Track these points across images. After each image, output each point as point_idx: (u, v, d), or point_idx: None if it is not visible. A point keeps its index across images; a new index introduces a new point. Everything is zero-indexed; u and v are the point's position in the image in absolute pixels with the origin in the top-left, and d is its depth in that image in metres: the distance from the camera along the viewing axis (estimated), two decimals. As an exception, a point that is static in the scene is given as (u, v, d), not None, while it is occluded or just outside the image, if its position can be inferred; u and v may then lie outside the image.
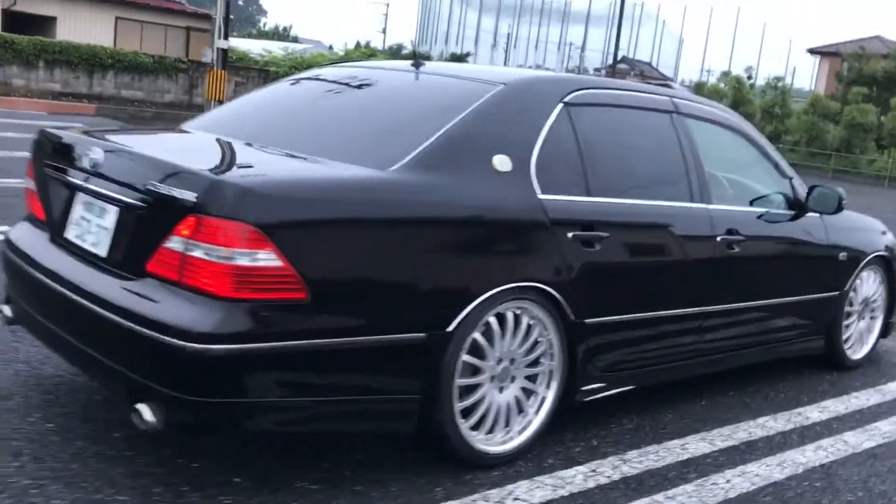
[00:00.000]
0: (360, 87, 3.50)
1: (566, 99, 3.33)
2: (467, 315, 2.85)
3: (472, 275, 2.88)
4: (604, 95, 3.53)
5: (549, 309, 3.14)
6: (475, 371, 2.99)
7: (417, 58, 3.69)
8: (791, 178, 4.39)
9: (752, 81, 38.95)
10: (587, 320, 3.27)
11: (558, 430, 3.38)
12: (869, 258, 4.77)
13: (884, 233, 5.03)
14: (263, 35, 57.97)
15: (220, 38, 17.61)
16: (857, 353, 4.93)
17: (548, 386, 3.24)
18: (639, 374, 3.65)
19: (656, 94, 3.79)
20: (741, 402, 4.15)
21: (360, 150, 2.97)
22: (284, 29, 71.78)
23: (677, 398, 4.04)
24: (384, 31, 73.06)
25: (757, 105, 34.79)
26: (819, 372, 4.78)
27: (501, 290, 2.95)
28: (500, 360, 3.05)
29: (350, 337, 2.63)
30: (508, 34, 63.06)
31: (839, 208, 4.29)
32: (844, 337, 4.81)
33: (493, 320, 2.98)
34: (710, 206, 3.80)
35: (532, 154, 3.13)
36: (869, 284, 4.91)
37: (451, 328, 2.82)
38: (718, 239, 3.78)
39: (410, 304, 2.74)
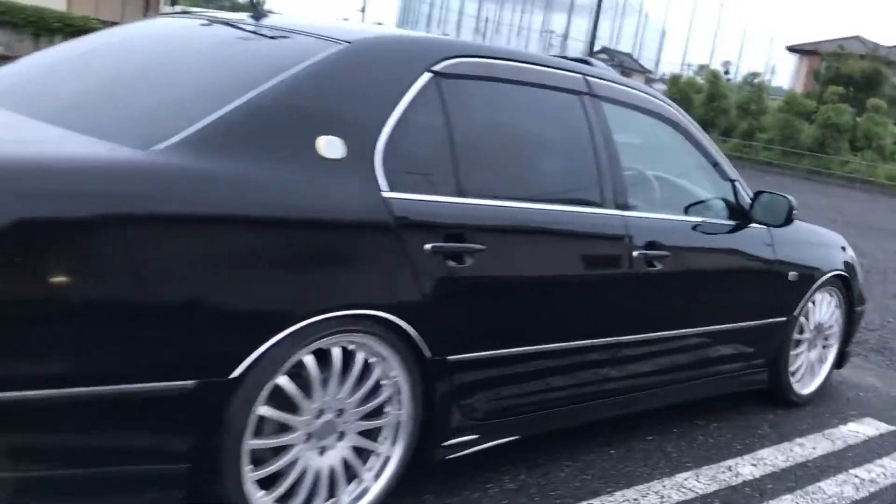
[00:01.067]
0: (171, 43, 2.71)
1: (436, 67, 2.56)
2: (263, 354, 2.09)
3: (272, 300, 2.12)
4: (489, 66, 2.75)
5: (395, 343, 2.39)
6: (282, 428, 2.23)
7: (257, 7, 2.88)
8: (734, 182, 3.65)
9: (729, 77, 38.40)
10: (451, 357, 2.52)
11: (414, 491, 2.64)
12: (824, 278, 4.06)
13: (843, 248, 4.32)
14: (237, 8, 56.55)
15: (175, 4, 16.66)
16: (806, 387, 4.23)
17: (393, 442, 2.49)
18: (526, 422, 2.91)
19: (564, 69, 3.02)
20: (660, 449, 3.42)
21: (129, 123, 2.18)
22: (258, 2, 70.11)
23: (581, 445, 3.30)
24: (363, 11, 71.78)
25: (732, 101, 34.23)
26: (761, 409, 4.07)
27: (320, 321, 2.19)
28: (320, 413, 2.29)
29: (75, 387, 1.86)
30: (488, 19, 62.22)
31: (789, 219, 3.56)
32: (792, 369, 4.10)
33: (309, 360, 2.22)
34: (628, 214, 3.06)
35: (378, 137, 2.35)
36: (823, 308, 4.20)
37: (236, 373, 2.05)
38: (635, 255, 3.04)
39: (170, 341, 1.96)
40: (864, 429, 4.01)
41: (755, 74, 36.50)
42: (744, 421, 3.90)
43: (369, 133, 2.35)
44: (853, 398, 4.44)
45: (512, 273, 2.66)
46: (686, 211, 3.54)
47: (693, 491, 3.09)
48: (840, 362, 4.41)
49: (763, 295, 3.78)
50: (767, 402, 4.11)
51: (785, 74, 44.92)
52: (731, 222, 3.60)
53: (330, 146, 2.24)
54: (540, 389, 2.90)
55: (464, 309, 2.53)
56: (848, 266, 4.25)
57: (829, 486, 3.32)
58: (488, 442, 2.77)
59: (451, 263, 2.46)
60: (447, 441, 2.62)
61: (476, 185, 2.59)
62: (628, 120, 3.32)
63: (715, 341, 3.60)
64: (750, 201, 3.63)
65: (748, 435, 3.73)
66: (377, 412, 2.44)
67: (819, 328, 4.22)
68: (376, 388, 2.42)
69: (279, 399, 2.20)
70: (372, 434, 2.45)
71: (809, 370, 4.25)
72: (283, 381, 2.18)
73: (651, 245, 3.11)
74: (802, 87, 38.37)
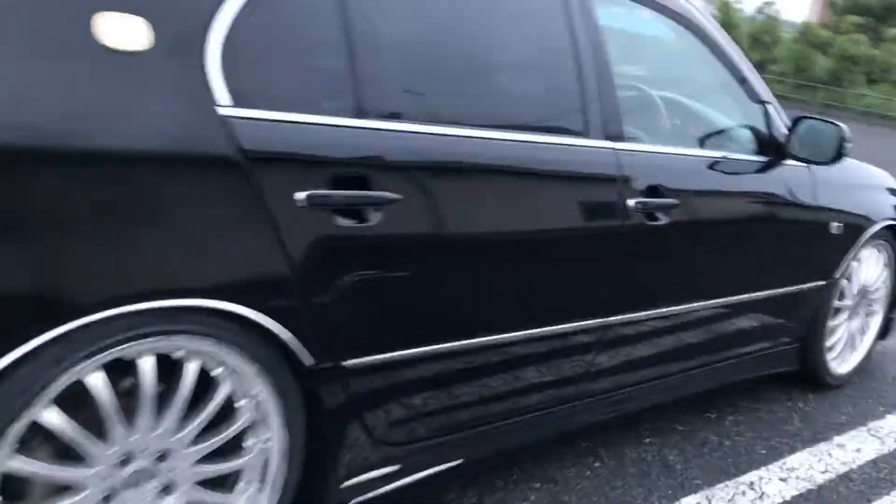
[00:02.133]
0: None
1: None
2: (3, 376, 1.25)
3: (14, 286, 1.26)
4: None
5: (252, 348, 1.54)
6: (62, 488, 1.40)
7: None
8: (766, 104, 2.75)
9: (741, 7, 36.83)
10: (348, 362, 1.68)
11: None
12: (874, 229, 3.18)
13: (892, 190, 3.42)
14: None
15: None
16: (843, 365, 3.39)
17: (261, 488, 1.66)
18: (473, 441, 2.08)
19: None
20: (660, 459, 2.60)
21: None
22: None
23: (556, 455, 2.49)
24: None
25: (744, 32, 32.76)
26: (787, 394, 3.23)
27: (111, 319, 1.34)
28: (125, 459, 1.46)
29: None
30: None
31: (839, 154, 2.67)
32: (828, 343, 3.26)
33: (94, 380, 1.38)
34: (622, 148, 2.18)
35: (214, 17, 1.47)
36: (870, 268, 3.33)
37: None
38: (631, 204, 2.17)
39: None
40: (919, 420, 3.19)
41: (769, 3, 34.90)
42: (767, 412, 3.07)
43: (197, 9, 1.46)
44: (899, 376, 3.61)
45: (444, 233, 1.80)
46: (702, 144, 2.66)
47: (704, 526, 2.28)
48: (885, 332, 3.56)
49: (798, 253, 2.92)
50: (795, 384, 3.27)
51: (803, 6, 43.08)
52: (762, 158, 2.71)
53: (120, 30, 1.36)
54: (493, 395, 2.06)
55: (366, 290, 1.67)
56: (898, 212, 3.37)
57: (883, 510, 2.50)
58: (416, 473, 1.95)
59: (344, 222, 1.60)
60: (350, 480, 1.80)
61: (386, 100, 1.71)
62: (627, 18, 2.41)
63: (735, 316, 2.74)
64: (787, 131, 2.73)
65: (773, 432, 2.91)
66: (231, 449, 1.61)
67: (863, 292, 3.36)
68: (226, 413, 1.58)
69: (48, 445, 1.36)
70: (224, 482, 1.62)
71: (849, 344, 3.41)
72: (49, 416, 1.34)
73: (653, 191, 2.24)
74: (818, 17, 36.80)
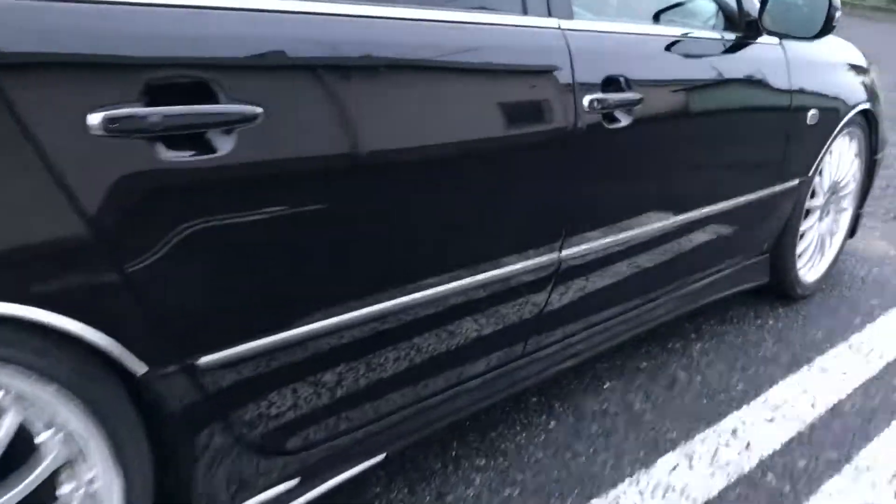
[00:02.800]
0: None
1: None
2: None
3: None
4: None
5: (43, 361, 0.99)
6: None
7: None
8: (733, -33, 2.23)
9: None
10: (201, 360, 1.14)
11: None
12: (849, 116, 2.74)
13: (860, 68, 2.97)
14: None
15: None
16: (813, 272, 3.00)
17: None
18: (396, 427, 1.59)
19: None
20: (625, 409, 2.17)
21: None
22: None
23: (499, 422, 2.03)
24: None
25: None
26: (754, 311, 2.84)
27: None
28: None
29: None
30: None
31: (828, 26, 2.18)
32: (799, 250, 2.85)
33: None
34: (570, 27, 1.64)
35: None
36: (843, 160, 2.91)
37: None
38: (585, 102, 1.65)
39: None
40: (899, 329, 2.84)
41: None
42: (736, 334, 2.66)
43: None
44: (868, 278, 3.25)
45: (330, 163, 1.25)
46: (656, 19, 2.13)
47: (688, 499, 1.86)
48: (853, 230, 3.17)
49: (773, 150, 2.45)
50: (760, 298, 2.87)
51: None
52: (731, 36, 2.21)
53: None
54: (416, 369, 1.56)
55: (216, 257, 1.13)
56: (871, 96, 2.93)
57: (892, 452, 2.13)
58: (324, 482, 1.45)
59: (171, 155, 1.04)
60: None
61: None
62: None
63: (705, 232, 2.28)
64: (758, 2, 2.23)
65: (748, 360, 2.50)
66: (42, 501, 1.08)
67: (834, 188, 2.95)
68: (22, 452, 1.04)
69: None
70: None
71: (818, 248, 3.02)
72: None
73: (612, 83, 1.72)
74: None
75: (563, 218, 1.73)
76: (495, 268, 1.59)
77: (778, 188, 2.51)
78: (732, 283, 2.58)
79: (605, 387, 2.26)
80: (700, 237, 2.26)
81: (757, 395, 2.31)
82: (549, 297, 1.79)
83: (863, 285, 3.16)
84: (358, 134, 1.27)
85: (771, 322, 2.77)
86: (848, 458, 2.06)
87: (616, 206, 1.88)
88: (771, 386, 2.36)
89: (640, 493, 1.85)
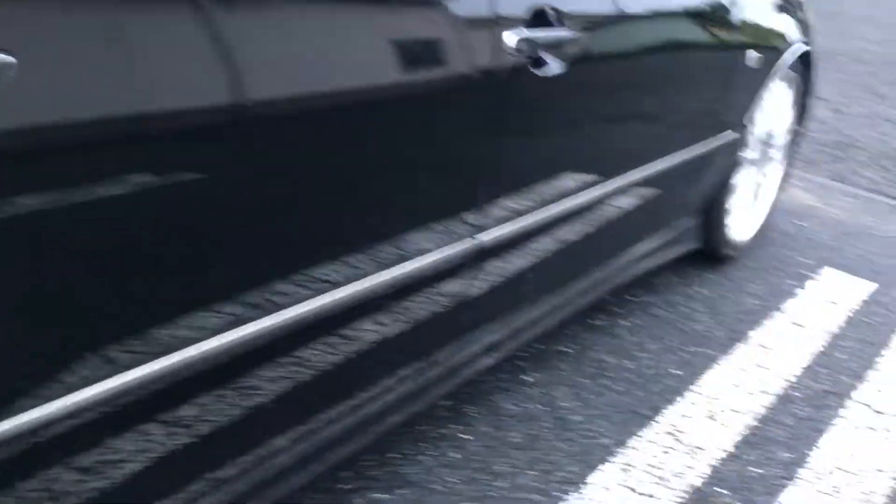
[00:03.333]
0: None
1: None
2: None
3: None
4: None
5: None
6: None
7: None
8: None
9: None
10: None
11: None
12: (787, 58, 2.44)
13: (799, 5, 2.66)
14: None
15: None
16: (743, 230, 2.72)
17: None
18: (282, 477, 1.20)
19: None
20: (550, 410, 1.84)
21: None
22: None
23: (402, 441, 1.66)
24: None
25: None
26: (681, 278, 2.55)
27: None
28: None
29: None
30: None
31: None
32: (731, 208, 2.56)
33: None
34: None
35: None
36: (779, 106, 2.62)
37: None
38: (510, 41, 1.26)
39: None
40: (832, 290, 2.60)
41: None
42: (665, 307, 2.36)
43: None
44: (796, 234, 3.01)
45: (98, 117, 0.82)
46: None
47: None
48: (783, 183, 2.91)
49: (712, 97, 2.12)
50: (686, 262, 2.58)
51: None
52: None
53: None
54: (292, 399, 1.17)
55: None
56: (808, 36, 2.64)
57: (841, 438, 1.87)
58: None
59: None
60: None
61: None
62: None
63: (638, 197, 1.94)
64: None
65: (681, 338, 2.21)
66: None
67: (768, 139, 2.67)
68: None
69: None
70: None
71: (750, 205, 2.74)
72: None
73: (541, 19, 1.32)
74: None
75: (482, 189, 1.35)
76: (396, 254, 1.20)
77: (717, 142, 2.19)
78: (665, 252, 2.27)
79: (527, 380, 1.91)
80: (633, 202, 1.92)
81: (694, 382, 2.01)
82: (464, 284, 1.42)
83: (791, 242, 2.92)
84: (189, 84, 0.84)
85: (700, 290, 2.48)
86: (803, 460, 1.79)
87: (543, 170, 1.51)
88: (707, 370, 2.07)
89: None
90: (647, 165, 1.88)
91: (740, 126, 2.32)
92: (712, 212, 2.44)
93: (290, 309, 1.05)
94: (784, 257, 2.78)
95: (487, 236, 1.39)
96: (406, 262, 1.23)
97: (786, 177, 2.90)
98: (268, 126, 0.95)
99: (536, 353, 2.01)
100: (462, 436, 1.70)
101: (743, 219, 2.70)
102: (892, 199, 3.58)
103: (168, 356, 0.91)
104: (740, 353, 2.17)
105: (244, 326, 1.00)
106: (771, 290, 2.54)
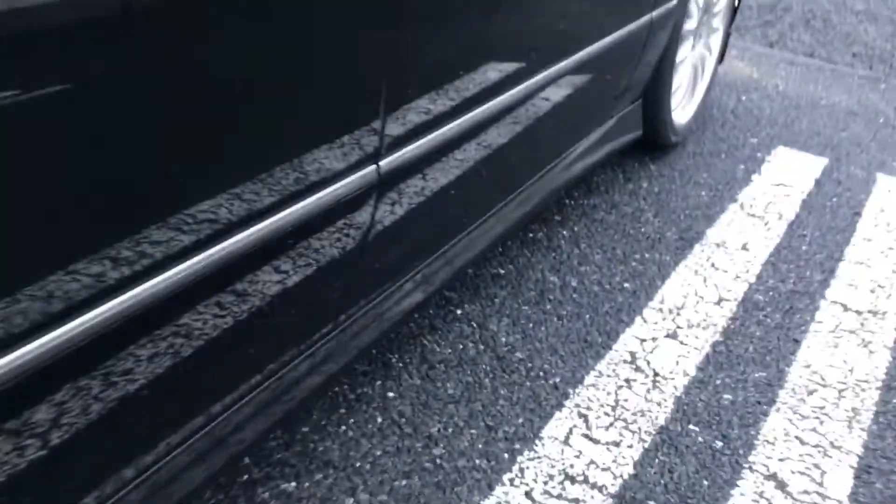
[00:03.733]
0: None
1: None
2: None
3: None
4: None
5: None
6: None
7: None
8: None
9: None
10: None
11: None
12: None
13: None
14: None
15: None
16: (685, 111, 2.45)
17: None
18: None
19: None
20: (462, 387, 1.56)
21: None
22: None
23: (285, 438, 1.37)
24: None
25: None
26: (621, 170, 2.27)
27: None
28: None
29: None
30: None
31: None
32: (674, 88, 2.27)
33: None
34: None
35: None
36: (719, -32, 2.31)
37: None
38: None
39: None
40: (786, 172, 2.36)
41: None
42: (608, 208, 2.09)
43: None
44: (739, 109, 2.75)
45: None
46: None
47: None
48: (723, 54, 2.63)
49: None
50: (623, 155, 2.30)
51: None
52: None
53: None
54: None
55: None
56: None
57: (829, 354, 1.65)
58: None
59: None
60: None
61: None
62: None
63: (570, 87, 1.62)
64: None
65: (629, 244, 1.94)
66: None
67: (707, 6, 2.36)
68: None
69: None
70: None
71: (691, 83, 2.45)
72: None
73: None
74: None
75: (382, 89, 1.02)
76: (290, 186, 0.89)
77: (655, 12, 1.87)
78: (605, 146, 1.97)
79: (457, 314, 1.63)
80: (568, 93, 1.60)
81: (649, 296, 1.76)
82: (374, 213, 1.10)
83: (736, 120, 2.66)
84: None
85: (645, 185, 2.22)
86: (779, 379, 1.57)
87: (460, 61, 1.18)
88: (664, 281, 1.82)
89: (528, 493, 1.27)
90: (584, 47, 1.56)
91: (682, -8, 2.00)
92: (655, 93, 2.14)
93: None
94: (731, 138, 2.53)
95: (396, 153, 1.07)
96: (300, 199, 0.92)
97: (726, 48, 2.61)
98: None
99: (467, 279, 1.73)
100: (388, 394, 1.42)
101: (686, 98, 2.42)
102: (831, 63, 3.34)
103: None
104: (695, 255, 1.92)
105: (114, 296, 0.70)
106: (721, 178, 2.28)
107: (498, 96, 1.29)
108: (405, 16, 1.02)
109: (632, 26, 1.76)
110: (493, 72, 1.27)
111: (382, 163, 1.05)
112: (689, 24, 2.26)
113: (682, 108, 2.41)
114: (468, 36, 1.19)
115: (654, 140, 2.29)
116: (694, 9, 2.23)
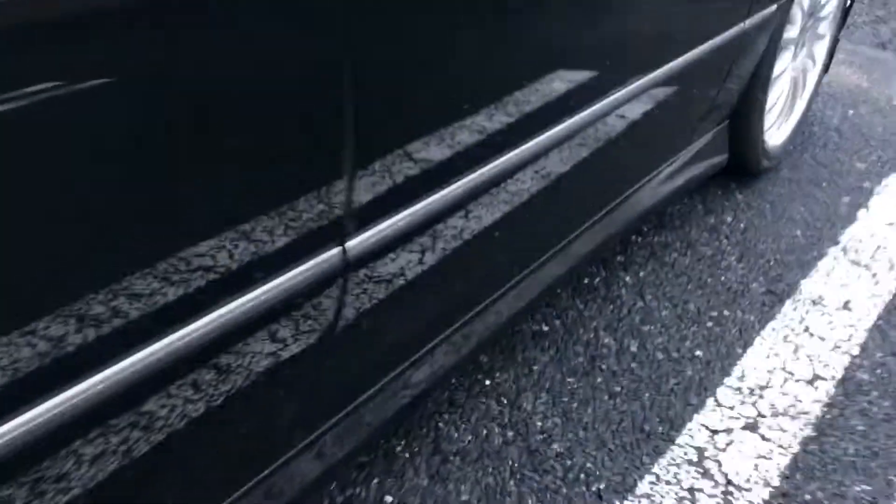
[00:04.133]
0: None
1: None
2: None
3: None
4: None
5: None
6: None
7: None
8: None
9: None
10: None
11: None
12: None
13: None
14: None
15: None
16: (780, 131, 2.09)
17: None
18: None
19: None
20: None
21: None
22: None
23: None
24: None
25: None
26: (696, 197, 1.94)
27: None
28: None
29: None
30: None
31: None
32: (769, 105, 1.93)
33: None
34: None
35: None
36: (830, -36, 1.94)
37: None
38: None
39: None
40: (903, 211, 1.99)
41: None
42: (682, 247, 1.76)
43: None
44: (844, 127, 2.37)
45: None
46: None
47: None
48: (829, 62, 2.25)
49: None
50: (706, 180, 1.96)
51: None
52: None
53: None
54: None
55: None
56: None
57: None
58: None
59: None
60: None
61: None
62: None
63: (642, 113, 1.31)
64: None
65: (703, 298, 1.62)
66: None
67: (814, 8, 2.00)
68: None
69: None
70: None
71: (790, 98, 2.10)
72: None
73: None
74: None
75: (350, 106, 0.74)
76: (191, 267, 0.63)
77: (748, 21, 1.53)
78: (678, 176, 1.65)
79: (485, 385, 1.35)
80: (647, 114, 1.30)
81: (726, 371, 1.44)
82: (340, 308, 0.83)
83: (840, 140, 2.28)
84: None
85: (729, 219, 1.88)
86: (891, 495, 1.23)
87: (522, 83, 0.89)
88: (745, 349, 1.50)
89: None
90: (652, 68, 1.25)
91: (783, -4, 1.66)
92: (744, 113, 1.80)
93: None
94: (835, 163, 2.16)
95: (368, 230, 0.79)
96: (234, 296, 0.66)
97: (833, 56, 2.24)
98: None
99: (502, 336, 1.44)
100: (384, 499, 1.14)
101: (783, 116, 2.07)
102: (958, 70, 2.90)
103: None
104: (786, 315, 1.59)
105: None
106: (821, 214, 1.93)
107: (524, 142, 1.00)
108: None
109: (718, 39, 1.43)
110: (517, 104, 0.98)
111: (350, 244, 0.77)
112: (791, 32, 1.90)
113: (777, 128, 2.06)
114: (481, 48, 0.90)
115: (742, 165, 1.95)
116: (797, 14, 1.88)
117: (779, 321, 1.57)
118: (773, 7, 1.62)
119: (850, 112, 2.45)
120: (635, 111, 1.25)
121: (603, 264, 1.67)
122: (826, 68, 2.23)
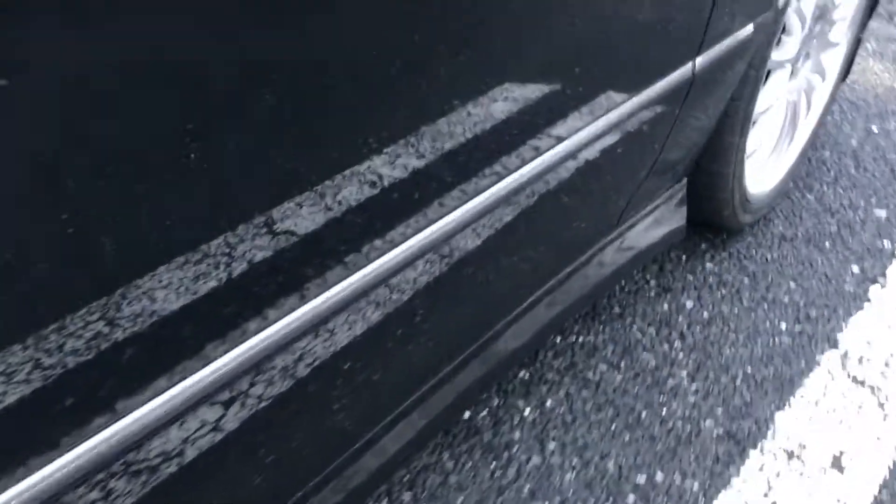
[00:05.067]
0: None
1: None
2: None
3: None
4: None
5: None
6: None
7: None
8: None
9: None
10: None
11: None
12: None
13: None
14: None
15: None
16: (776, 167, 1.57)
17: None
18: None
19: None
20: None
21: None
22: None
23: None
24: None
25: None
26: (647, 270, 1.44)
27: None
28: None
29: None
30: None
31: None
32: (750, 149, 1.41)
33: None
34: None
35: None
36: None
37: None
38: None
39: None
40: (932, 289, 1.47)
41: None
42: (610, 360, 1.27)
43: None
44: (864, 151, 1.83)
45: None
46: None
47: None
48: (848, 68, 1.70)
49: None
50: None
51: None
52: None
53: None
54: None
55: None
56: None
57: None
58: None
59: None
60: None
61: None
62: None
63: (571, 180, 0.82)
64: None
65: (661, 407, 1.14)
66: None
67: (823, 11, 1.45)
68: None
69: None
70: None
71: (786, 130, 1.57)
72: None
73: None
74: None
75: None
76: None
77: (700, 59, 1.02)
78: (624, 259, 1.16)
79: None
80: (565, 189, 0.82)
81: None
82: None
83: (857, 171, 1.75)
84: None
85: (689, 305, 1.38)
86: None
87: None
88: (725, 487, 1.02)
89: None
90: (602, 117, 0.76)
91: (767, 9, 1.12)
92: (709, 167, 1.29)
93: None
94: (846, 209, 1.64)
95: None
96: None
97: (852, 62, 1.69)
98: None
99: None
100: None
101: (772, 157, 1.55)
102: None
103: None
104: (748, 487, 1.10)
105: None
106: (818, 295, 1.42)
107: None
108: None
109: (650, 90, 0.92)
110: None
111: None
112: (786, 51, 1.37)
113: (767, 169, 1.54)
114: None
115: (712, 224, 1.45)
116: (795, 23, 1.34)
117: (732, 492, 1.09)
118: (749, 28, 1.09)
119: (874, 128, 1.91)
120: (543, 188, 0.79)
121: (498, 387, 1.19)
122: (845, 75, 1.68)
